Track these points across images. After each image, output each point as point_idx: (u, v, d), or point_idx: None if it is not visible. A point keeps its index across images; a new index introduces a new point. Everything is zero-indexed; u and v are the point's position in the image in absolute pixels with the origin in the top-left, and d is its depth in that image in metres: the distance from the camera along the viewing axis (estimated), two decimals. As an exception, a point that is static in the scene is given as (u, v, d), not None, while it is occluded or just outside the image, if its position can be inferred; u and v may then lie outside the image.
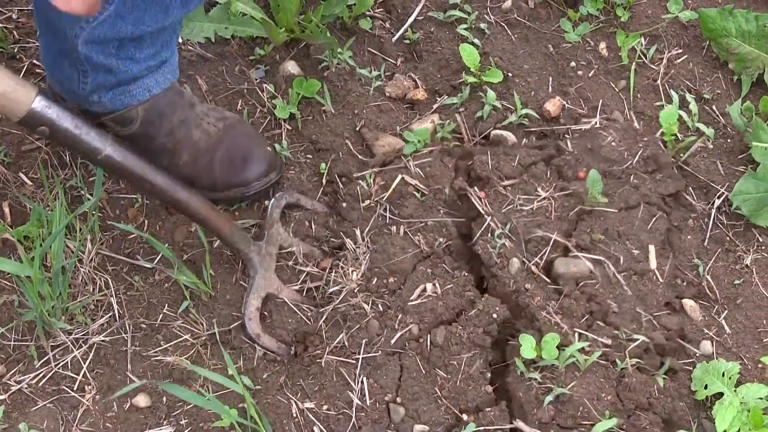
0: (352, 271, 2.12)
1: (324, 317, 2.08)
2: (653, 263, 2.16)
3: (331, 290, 2.12)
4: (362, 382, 1.99)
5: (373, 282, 2.10)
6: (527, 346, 1.96)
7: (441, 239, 2.16)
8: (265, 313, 2.11)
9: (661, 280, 2.14)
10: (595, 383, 1.95)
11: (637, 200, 2.22)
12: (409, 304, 2.06)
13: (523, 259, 2.12)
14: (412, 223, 2.18)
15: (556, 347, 1.96)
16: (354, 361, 2.01)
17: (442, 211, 2.20)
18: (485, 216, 2.18)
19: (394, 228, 2.18)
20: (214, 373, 1.94)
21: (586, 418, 1.92)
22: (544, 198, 2.21)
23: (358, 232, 2.19)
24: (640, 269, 2.14)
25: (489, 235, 2.16)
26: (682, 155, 2.33)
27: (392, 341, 2.02)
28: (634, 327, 2.05)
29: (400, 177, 2.23)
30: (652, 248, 2.17)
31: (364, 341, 2.03)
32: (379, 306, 2.07)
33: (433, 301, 2.07)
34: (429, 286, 2.08)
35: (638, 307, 2.09)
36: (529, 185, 2.23)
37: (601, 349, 1.99)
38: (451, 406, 1.97)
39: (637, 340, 2.02)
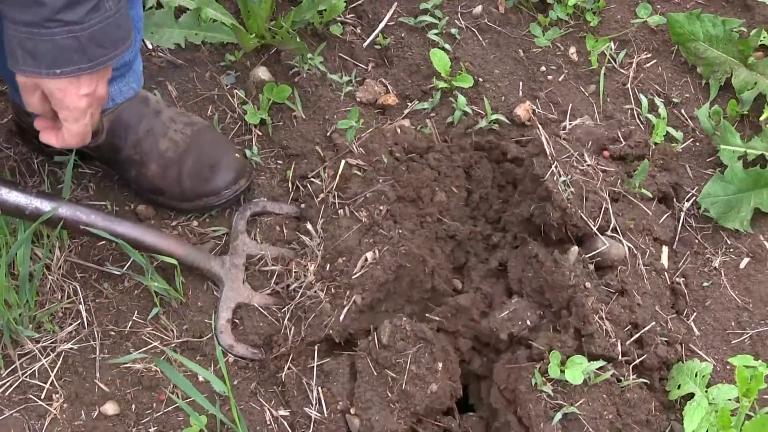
0: (310, 264, 2.12)
1: (288, 315, 2.09)
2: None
3: (293, 287, 2.12)
4: (318, 391, 1.99)
5: (327, 268, 2.10)
6: (554, 363, 1.94)
7: (381, 207, 2.15)
8: (237, 321, 2.11)
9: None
10: (599, 400, 1.94)
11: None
12: (353, 278, 2.05)
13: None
14: (355, 201, 2.18)
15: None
16: (309, 369, 2.02)
17: (381, 180, 2.20)
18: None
19: (341, 211, 2.18)
20: (184, 379, 1.94)
21: None
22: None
23: (309, 226, 2.20)
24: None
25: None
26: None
27: (341, 318, 2.02)
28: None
29: (344, 162, 2.24)
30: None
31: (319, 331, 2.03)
32: (332, 289, 2.07)
33: (373, 267, 2.06)
34: (369, 254, 2.07)
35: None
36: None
37: (612, 370, 1.98)
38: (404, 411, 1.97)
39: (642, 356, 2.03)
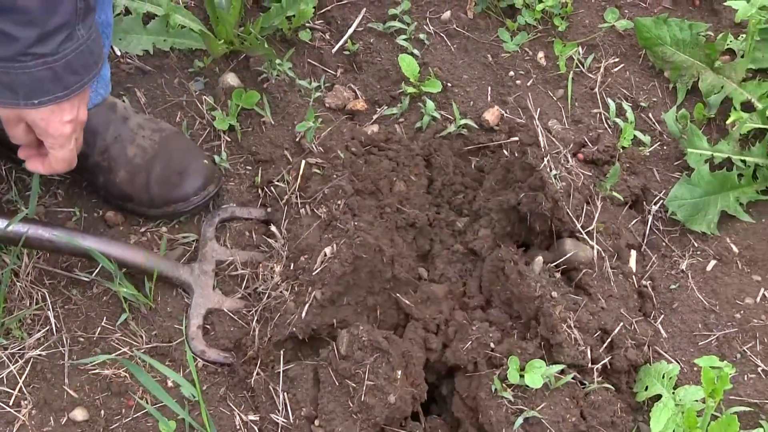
0: (276, 265, 2.14)
1: (255, 317, 2.10)
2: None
3: (260, 289, 2.14)
4: (284, 396, 2.00)
5: (291, 268, 2.11)
6: (513, 368, 1.95)
7: (339, 201, 2.16)
8: (208, 327, 2.12)
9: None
10: (561, 403, 1.95)
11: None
12: (314, 274, 2.05)
13: None
14: (315, 199, 2.19)
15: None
16: (276, 375, 2.03)
17: (337, 175, 2.21)
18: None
19: (302, 210, 2.19)
20: (154, 381, 1.94)
21: None
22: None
23: (274, 228, 2.22)
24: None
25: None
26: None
27: (303, 315, 2.02)
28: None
29: (304, 162, 2.26)
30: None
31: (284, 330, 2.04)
32: (296, 288, 2.08)
33: (332, 261, 2.06)
34: (328, 249, 2.07)
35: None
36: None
37: (573, 373, 1.99)
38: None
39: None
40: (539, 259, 2.11)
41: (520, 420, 1.91)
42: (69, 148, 1.85)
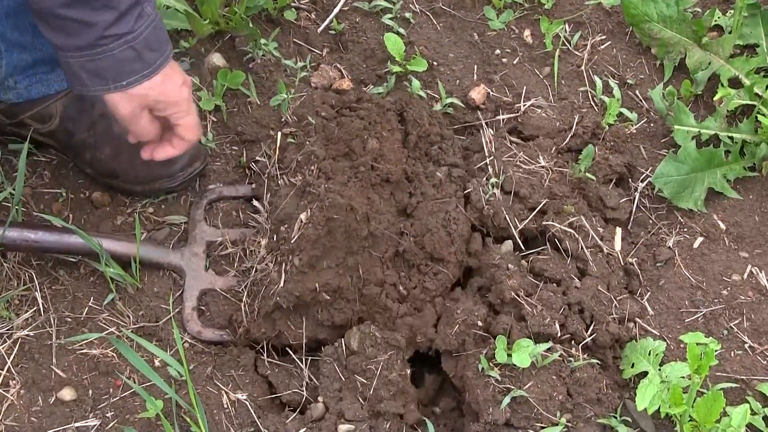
0: (262, 239, 2.14)
1: (245, 293, 2.12)
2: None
3: (248, 265, 2.15)
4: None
5: (274, 239, 2.11)
6: (501, 347, 1.96)
7: (312, 167, 2.16)
8: (203, 308, 2.13)
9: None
10: (548, 382, 1.96)
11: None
12: (292, 242, 2.05)
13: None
14: (290, 168, 2.20)
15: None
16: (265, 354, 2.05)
17: (308, 142, 2.21)
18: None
19: (280, 181, 2.20)
20: (141, 360, 1.94)
21: (538, 419, 1.93)
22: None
23: (257, 203, 2.23)
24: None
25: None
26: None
27: (282, 283, 2.04)
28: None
29: (280, 134, 2.27)
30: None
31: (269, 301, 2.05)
32: (278, 258, 2.08)
33: (306, 226, 2.06)
34: (303, 216, 2.07)
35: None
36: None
37: (560, 351, 2.00)
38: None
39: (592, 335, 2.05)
40: (508, 242, 2.15)
41: (507, 399, 1.92)
42: (194, 109, 1.94)
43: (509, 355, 1.95)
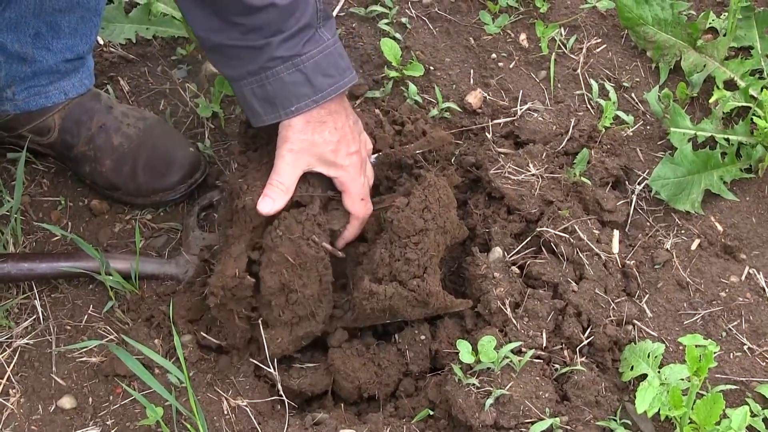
0: None
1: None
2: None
3: None
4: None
5: None
6: (465, 351, 1.96)
7: None
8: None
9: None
10: (531, 382, 1.96)
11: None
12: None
13: None
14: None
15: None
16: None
17: None
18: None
19: None
20: (140, 366, 1.93)
21: (527, 416, 1.93)
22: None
23: None
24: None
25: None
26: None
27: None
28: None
29: None
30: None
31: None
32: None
33: None
34: None
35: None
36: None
37: (535, 350, 2.00)
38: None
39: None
40: (497, 249, 2.15)
41: (490, 400, 1.92)
42: (360, 182, 1.95)
43: (478, 361, 1.95)
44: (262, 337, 1.97)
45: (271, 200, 1.86)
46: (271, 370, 1.99)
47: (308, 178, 1.92)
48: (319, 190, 1.93)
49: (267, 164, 1.90)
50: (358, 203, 1.94)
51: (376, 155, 2.16)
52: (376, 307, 1.95)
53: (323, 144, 1.85)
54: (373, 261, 1.97)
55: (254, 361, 2.02)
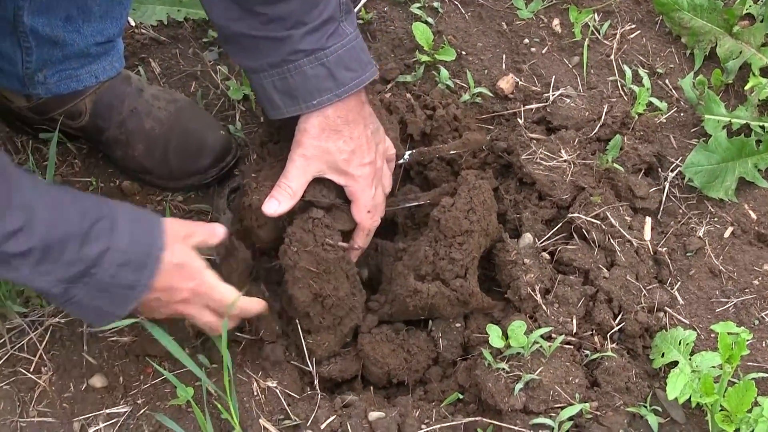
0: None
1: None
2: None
3: None
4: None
5: None
6: (494, 335, 1.96)
7: None
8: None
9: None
10: (561, 368, 1.95)
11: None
12: None
13: None
14: None
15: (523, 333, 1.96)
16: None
17: None
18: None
19: None
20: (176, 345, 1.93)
21: (557, 401, 1.92)
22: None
23: None
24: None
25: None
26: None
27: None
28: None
29: None
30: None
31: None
32: None
33: None
34: None
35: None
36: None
37: (565, 336, 2.00)
38: None
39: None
40: (528, 235, 2.14)
41: (519, 385, 1.92)
42: (369, 193, 1.94)
43: (504, 341, 1.95)
44: (302, 342, 2.00)
45: (277, 202, 1.86)
46: (311, 369, 2.02)
47: (323, 181, 1.92)
48: (332, 195, 1.94)
49: (283, 161, 1.91)
50: (365, 214, 1.95)
51: (410, 152, 2.17)
52: (418, 305, 1.97)
53: (336, 152, 1.85)
54: (416, 258, 1.98)
55: (296, 364, 2.04)
